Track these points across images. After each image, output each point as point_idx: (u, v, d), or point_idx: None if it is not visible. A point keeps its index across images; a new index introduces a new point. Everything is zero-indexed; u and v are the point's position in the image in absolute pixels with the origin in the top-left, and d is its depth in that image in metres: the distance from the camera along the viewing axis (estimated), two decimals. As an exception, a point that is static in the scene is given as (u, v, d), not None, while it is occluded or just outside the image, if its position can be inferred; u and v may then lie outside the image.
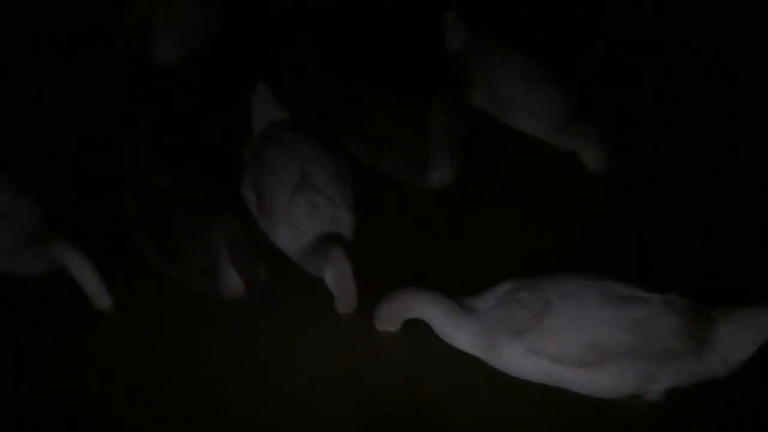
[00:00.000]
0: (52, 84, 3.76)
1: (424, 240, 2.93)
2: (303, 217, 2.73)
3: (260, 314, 2.64)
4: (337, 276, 2.55)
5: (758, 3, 3.98)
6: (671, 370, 2.23)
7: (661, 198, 3.14)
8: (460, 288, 2.50)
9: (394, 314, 2.50)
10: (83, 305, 2.60)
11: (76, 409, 2.33)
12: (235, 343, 2.53)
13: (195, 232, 2.61)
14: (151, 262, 2.76)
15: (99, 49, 3.94)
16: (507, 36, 3.68)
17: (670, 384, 2.26)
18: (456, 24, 3.73)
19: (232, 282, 2.60)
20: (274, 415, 2.31)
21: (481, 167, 3.24)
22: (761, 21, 3.97)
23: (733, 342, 2.24)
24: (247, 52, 4.00)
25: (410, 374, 2.43)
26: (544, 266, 2.45)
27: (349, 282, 2.56)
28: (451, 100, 3.02)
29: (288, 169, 2.83)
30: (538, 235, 2.95)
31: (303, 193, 2.76)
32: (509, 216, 3.03)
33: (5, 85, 3.73)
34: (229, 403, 2.34)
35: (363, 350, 2.51)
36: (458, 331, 2.41)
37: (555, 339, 2.26)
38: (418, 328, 2.48)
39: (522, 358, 2.31)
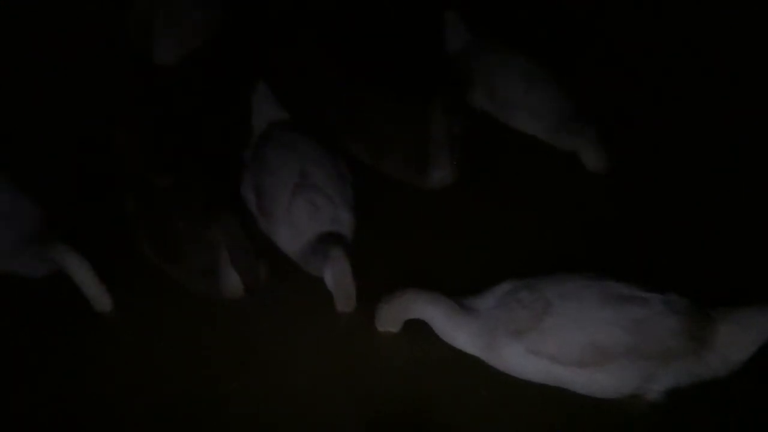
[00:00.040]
0: (52, 84, 3.76)
1: (424, 240, 2.93)
2: (303, 216, 2.73)
3: (260, 314, 2.63)
4: (337, 276, 2.55)
5: (758, 3, 3.98)
6: (671, 370, 2.23)
7: (661, 198, 3.14)
8: (460, 288, 2.50)
9: (394, 315, 2.50)
10: (83, 305, 2.59)
11: (76, 409, 2.33)
12: (235, 343, 2.53)
13: (195, 232, 2.61)
14: (151, 262, 2.76)
15: (99, 49, 3.94)
16: (507, 36, 3.68)
17: (670, 384, 2.26)
18: (456, 24, 3.73)
19: (232, 282, 2.60)
20: (274, 415, 2.31)
21: (481, 167, 3.24)
22: (761, 21, 3.97)
23: (733, 342, 2.24)
24: (247, 52, 4.00)
25: (410, 374, 2.43)
26: (544, 266, 2.45)
27: (349, 282, 2.56)
28: (451, 100, 3.02)
29: (288, 169, 2.83)
30: (538, 235, 2.95)
31: (303, 193, 2.76)
32: (509, 216, 3.03)
33: (5, 85, 3.73)
34: (229, 403, 2.34)
35: (363, 350, 2.51)
36: (458, 331, 2.41)
37: (555, 339, 2.26)
38: (418, 329, 2.48)
39: (522, 358, 2.31)
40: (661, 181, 3.21)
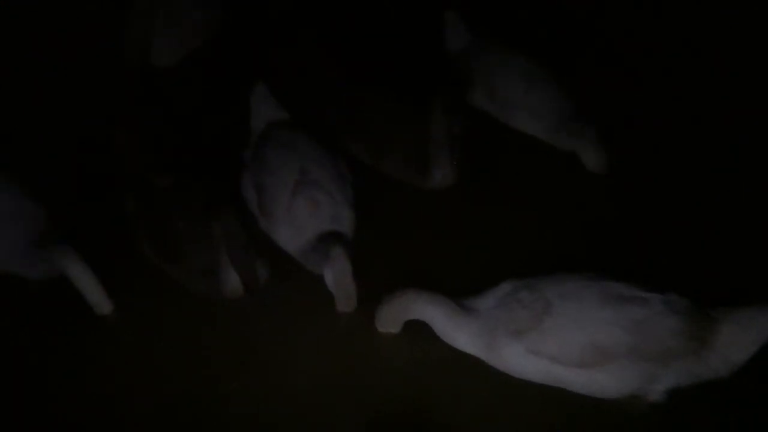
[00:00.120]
0: (52, 84, 3.76)
1: (424, 240, 2.93)
2: (303, 215, 2.73)
3: (260, 314, 2.63)
4: (338, 275, 2.55)
5: (758, 3, 3.98)
6: (672, 370, 2.23)
7: (661, 198, 3.14)
8: (460, 288, 2.50)
9: (394, 315, 2.50)
10: (83, 305, 2.59)
11: (76, 409, 2.33)
12: (235, 343, 2.53)
13: (195, 232, 2.61)
14: (151, 262, 2.76)
15: (99, 48, 3.93)
16: (507, 36, 3.68)
17: (670, 384, 2.25)
18: (456, 24, 3.73)
19: (232, 282, 2.60)
20: (274, 415, 2.31)
21: (481, 167, 3.24)
22: (761, 21, 3.96)
23: (733, 342, 2.23)
24: (247, 52, 4.00)
25: (410, 374, 2.43)
26: (544, 266, 2.45)
27: (349, 281, 2.56)
28: (451, 100, 3.02)
29: (288, 168, 2.83)
30: (538, 235, 2.95)
31: (303, 191, 2.76)
32: (509, 216, 3.03)
33: (5, 85, 3.73)
34: (229, 403, 2.34)
35: (363, 350, 2.51)
36: (458, 331, 2.41)
37: (555, 339, 2.26)
38: (418, 329, 2.48)
39: (522, 359, 2.31)
40: (661, 181, 3.21)
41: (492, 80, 3.49)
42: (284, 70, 3.79)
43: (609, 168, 3.23)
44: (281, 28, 4.17)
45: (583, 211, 3.06)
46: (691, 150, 3.37)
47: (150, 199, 2.79)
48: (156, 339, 2.55)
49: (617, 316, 2.23)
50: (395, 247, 2.89)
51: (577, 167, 3.26)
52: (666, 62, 3.93)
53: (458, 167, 3.12)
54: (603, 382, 2.25)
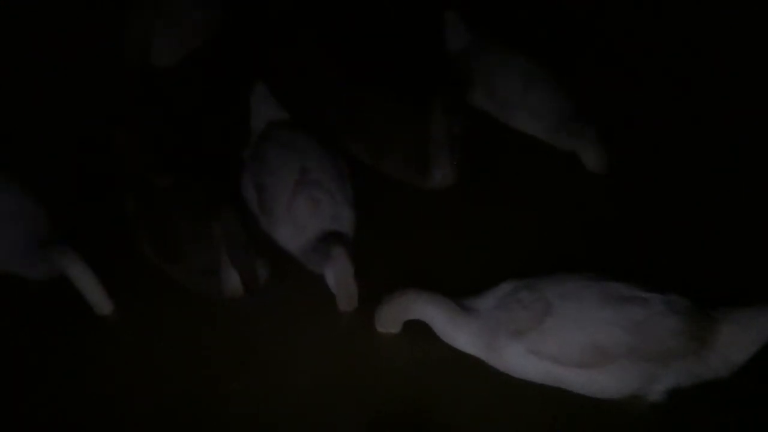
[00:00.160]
0: (52, 84, 3.76)
1: (424, 240, 2.93)
2: (304, 214, 2.73)
3: (260, 314, 2.63)
4: (338, 274, 2.55)
5: (758, 3, 3.98)
6: (672, 370, 2.23)
7: (661, 198, 3.14)
8: (460, 288, 2.50)
9: (394, 316, 2.50)
10: (83, 305, 2.59)
11: (76, 409, 2.33)
12: (235, 343, 2.53)
13: (195, 232, 2.61)
14: (151, 263, 2.76)
15: (99, 49, 3.93)
16: (507, 36, 3.68)
17: (670, 384, 2.26)
18: (456, 24, 3.73)
19: (233, 282, 2.60)
20: (274, 415, 2.31)
21: (481, 167, 3.24)
22: (761, 21, 3.96)
23: (733, 342, 2.23)
24: (247, 52, 4.00)
25: (410, 374, 2.43)
26: (544, 266, 2.45)
27: (351, 281, 2.56)
28: (451, 100, 3.01)
29: (288, 168, 2.83)
30: (538, 235, 2.95)
31: (304, 190, 2.76)
32: (509, 216, 3.03)
33: (5, 85, 3.73)
34: (229, 403, 2.34)
35: (363, 350, 2.51)
36: (459, 331, 2.41)
37: (555, 339, 2.26)
38: (418, 329, 2.48)
39: (522, 359, 2.31)
40: (661, 181, 3.21)
41: (492, 80, 3.49)
42: (284, 70, 3.79)
43: (609, 168, 3.22)
44: (281, 28, 4.16)
45: (583, 211, 3.06)
46: (691, 150, 3.37)
47: (150, 199, 2.79)
48: (156, 339, 2.55)
49: (617, 316, 2.23)
50: (395, 247, 2.89)
51: (577, 167, 3.26)
52: (666, 62, 3.93)
53: (458, 167, 3.12)
54: (603, 382, 2.25)
